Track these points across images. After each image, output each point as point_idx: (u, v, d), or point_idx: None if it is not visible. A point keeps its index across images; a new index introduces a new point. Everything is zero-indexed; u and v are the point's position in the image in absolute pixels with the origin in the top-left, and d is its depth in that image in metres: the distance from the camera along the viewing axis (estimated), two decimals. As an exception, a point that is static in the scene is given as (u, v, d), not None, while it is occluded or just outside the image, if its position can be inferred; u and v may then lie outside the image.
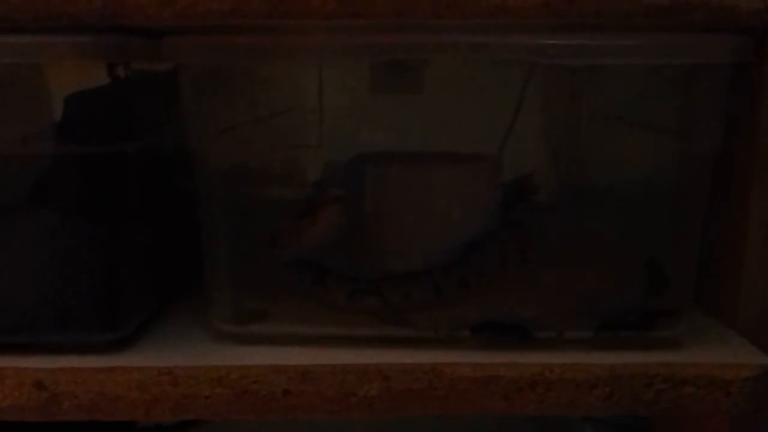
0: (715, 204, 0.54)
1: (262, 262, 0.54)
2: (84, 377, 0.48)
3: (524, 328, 0.50)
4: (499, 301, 0.54)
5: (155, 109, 0.54)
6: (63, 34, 0.44)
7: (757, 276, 0.52)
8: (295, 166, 0.73)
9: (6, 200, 0.49)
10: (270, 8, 0.42)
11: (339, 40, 0.46)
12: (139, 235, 0.52)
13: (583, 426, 0.72)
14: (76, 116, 0.49)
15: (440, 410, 0.48)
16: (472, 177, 0.60)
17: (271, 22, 0.43)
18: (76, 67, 0.48)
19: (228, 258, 0.53)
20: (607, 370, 0.48)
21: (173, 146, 0.53)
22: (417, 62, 0.69)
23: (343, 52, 0.46)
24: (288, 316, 0.53)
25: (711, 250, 0.56)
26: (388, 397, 0.48)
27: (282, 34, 0.46)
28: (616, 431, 0.73)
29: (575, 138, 0.75)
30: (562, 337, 0.50)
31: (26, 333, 0.49)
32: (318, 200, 0.55)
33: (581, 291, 0.55)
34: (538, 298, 0.54)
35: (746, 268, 0.52)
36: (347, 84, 0.71)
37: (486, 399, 0.48)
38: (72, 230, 0.48)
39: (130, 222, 0.51)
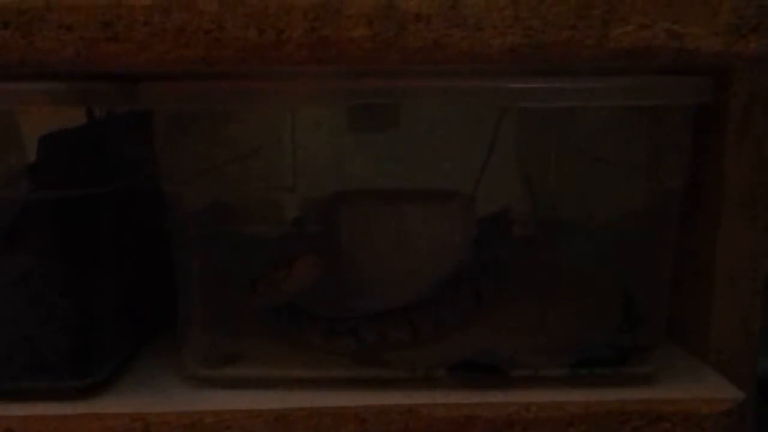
0: (684, 238, 0.55)
1: (235, 302, 0.54)
2: (56, 424, 0.47)
3: (500, 366, 0.50)
4: (476, 340, 0.54)
5: (130, 149, 0.54)
6: (36, 80, 0.44)
7: (727, 309, 0.53)
8: (273, 203, 0.74)
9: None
10: (243, 55, 0.42)
11: (312, 85, 0.46)
12: (113, 278, 0.51)
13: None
14: (50, 159, 0.49)
15: (417, 451, 0.48)
16: (445, 214, 0.61)
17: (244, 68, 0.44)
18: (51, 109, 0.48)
19: (201, 299, 0.53)
20: (583, 407, 0.48)
21: (146, 185, 0.53)
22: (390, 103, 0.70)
23: (316, 97, 0.47)
24: (262, 358, 0.53)
25: (681, 284, 0.56)
26: (364, 439, 0.48)
27: (255, 78, 0.47)
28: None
29: (547, 174, 0.77)
30: (538, 375, 0.50)
31: (-4, 379, 0.48)
32: (293, 249, 0.55)
33: (556, 327, 0.55)
34: (514, 336, 0.54)
35: (716, 301, 0.53)
36: (322, 123, 0.73)
37: (464, 439, 0.48)
38: (44, 274, 0.48)
39: (104, 265, 0.50)
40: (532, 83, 0.45)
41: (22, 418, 0.47)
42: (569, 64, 0.44)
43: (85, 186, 0.48)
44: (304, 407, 0.48)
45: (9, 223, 0.49)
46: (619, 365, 0.51)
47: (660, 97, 0.47)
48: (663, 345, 0.53)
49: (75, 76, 0.45)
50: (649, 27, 0.43)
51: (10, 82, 0.44)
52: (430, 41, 0.43)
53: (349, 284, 0.59)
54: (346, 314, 0.54)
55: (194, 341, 0.52)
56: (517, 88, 0.45)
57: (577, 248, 0.65)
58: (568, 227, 0.69)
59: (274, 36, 0.42)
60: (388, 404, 0.48)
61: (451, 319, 0.56)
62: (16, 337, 0.48)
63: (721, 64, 0.47)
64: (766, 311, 0.54)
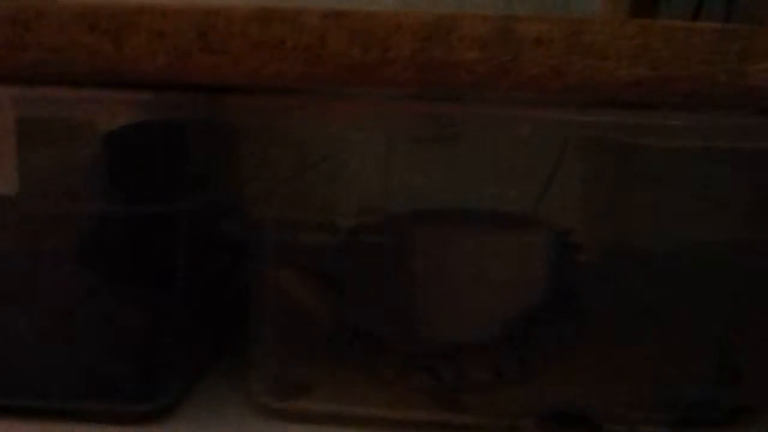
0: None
1: (307, 328, 0.51)
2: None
3: (594, 421, 0.46)
4: (563, 386, 0.50)
5: (206, 162, 0.51)
6: (122, 90, 0.42)
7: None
8: (331, 212, 0.71)
9: (46, 258, 0.46)
10: (344, 74, 0.39)
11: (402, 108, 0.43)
12: (182, 298, 0.49)
13: None
14: (121, 165, 0.47)
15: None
16: (530, 246, 0.57)
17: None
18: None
19: (274, 323, 0.50)
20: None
21: (219, 204, 0.50)
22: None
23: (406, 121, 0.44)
24: (335, 391, 0.50)
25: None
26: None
27: (342, 98, 0.44)
28: None
29: (628, 201, 0.73)
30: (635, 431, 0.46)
31: (59, 398, 0.46)
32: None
33: (649, 376, 0.51)
34: (603, 384, 0.50)
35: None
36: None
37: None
38: (112, 292, 0.45)
39: (174, 284, 0.48)
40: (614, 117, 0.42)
41: (83, 441, 0.44)
42: (698, 100, 0.40)
43: (162, 202, 0.45)
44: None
45: (79, 237, 0.46)
46: (727, 427, 0.46)
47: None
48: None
49: (160, 85, 0.43)
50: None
51: (93, 89, 0.42)
52: (547, 68, 0.39)
53: (425, 314, 0.56)
54: (424, 348, 0.51)
55: (264, 368, 0.50)
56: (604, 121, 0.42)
57: (664, 285, 0.61)
58: (647, 258, 0.65)
59: (380, 55, 0.39)
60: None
61: (535, 361, 0.52)
62: (80, 356, 0.46)
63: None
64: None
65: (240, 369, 0.52)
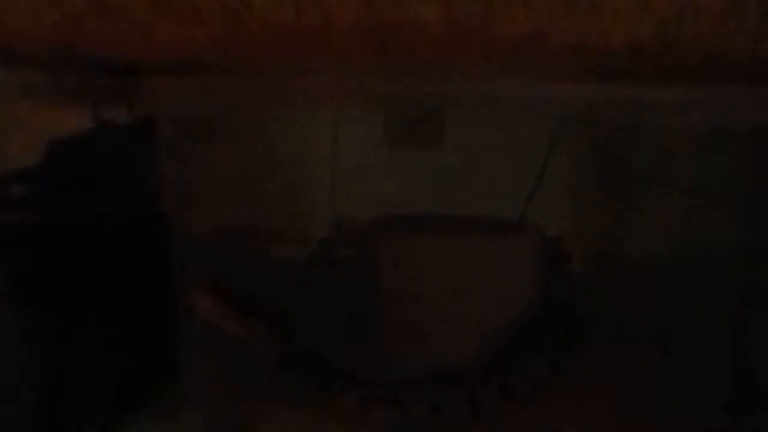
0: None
1: (245, 358, 0.43)
2: None
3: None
4: (559, 419, 0.42)
5: (113, 164, 0.43)
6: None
7: None
8: (299, 223, 0.64)
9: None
10: (275, 42, 0.31)
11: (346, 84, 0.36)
12: (91, 327, 0.40)
13: None
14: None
15: None
16: (514, 250, 0.49)
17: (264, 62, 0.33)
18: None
19: (204, 353, 0.42)
20: None
21: (136, 212, 0.42)
22: (435, 115, 0.61)
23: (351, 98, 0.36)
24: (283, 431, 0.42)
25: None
26: None
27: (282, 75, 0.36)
28: None
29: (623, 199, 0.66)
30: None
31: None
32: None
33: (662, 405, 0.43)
34: (601, 415, 0.43)
35: None
36: (361, 139, 0.63)
37: None
38: (8, 335, 0.37)
39: (80, 311, 0.39)
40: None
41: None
42: (706, 68, 0.33)
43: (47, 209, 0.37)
44: None
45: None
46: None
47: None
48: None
49: (63, 66, 0.35)
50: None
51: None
52: (527, 31, 0.31)
53: (392, 338, 0.48)
54: (389, 377, 0.43)
55: (196, 406, 0.41)
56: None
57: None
58: (649, 263, 0.58)
59: (318, 18, 0.31)
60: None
61: (520, 389, 0.44)
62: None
63: None
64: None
65: (170, 411, 0.43)
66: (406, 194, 0.60)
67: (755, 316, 0.48)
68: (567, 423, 0.42)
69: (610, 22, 0.32)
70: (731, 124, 0.47)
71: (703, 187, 0.56)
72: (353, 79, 0.42)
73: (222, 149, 0.47)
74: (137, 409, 0.45)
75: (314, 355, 0.44)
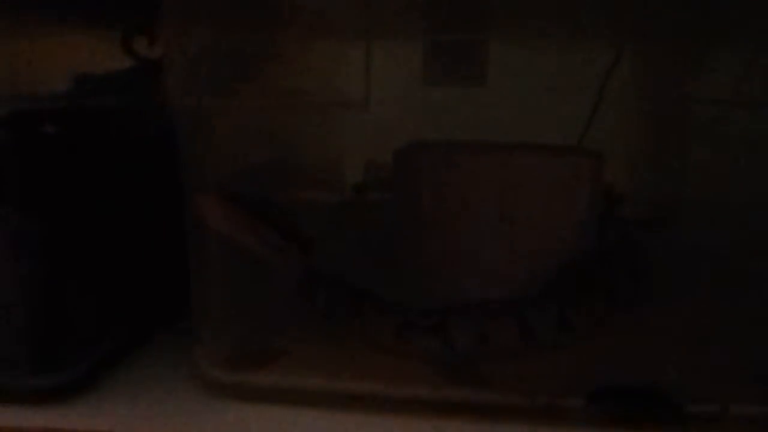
0: None
1: (271, 283, 0.38)
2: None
3: (670, 397, 0.33)
4: (621, 352, 0.37)
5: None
6: None
7: None
8: (333, 167, 0.60)
9: None
10: None
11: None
12: (92, 240, 0.36)
13: None
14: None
15: None
16: (570, 173, 0.43)
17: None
18: None
19: (225, 277, 0.37)
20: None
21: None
22: (477, 48, 0.55)
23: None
24: (308, 361, 0.37)
25: None
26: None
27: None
28: None
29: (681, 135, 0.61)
30: (726, 414, 0.33)
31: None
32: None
33: (744, 340, 0.37)
34: (675, 352, 0.37)
35: None
36: (396, 74, 0.58)
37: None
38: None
39: (78, 220, 0.35)
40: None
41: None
42: None
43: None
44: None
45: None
46: None
47: None
48: None
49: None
50: None
51: None
52: None
53: (433, 263, 0.43)
54: (431, 305, 0.38)
55: (210, 333, 0.37)
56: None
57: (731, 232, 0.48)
58: (719, 205, 0.52)
59: None
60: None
61: (578, 321, 0.38)
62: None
63: None
64: None
65: (183, 344, 0.38)
66: (446, 137, 0.54)
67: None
68: (626, 360, 0.36)
69: None
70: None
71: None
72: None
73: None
74: (150, 335, 0.41)
75: (342, 278, 0.39)
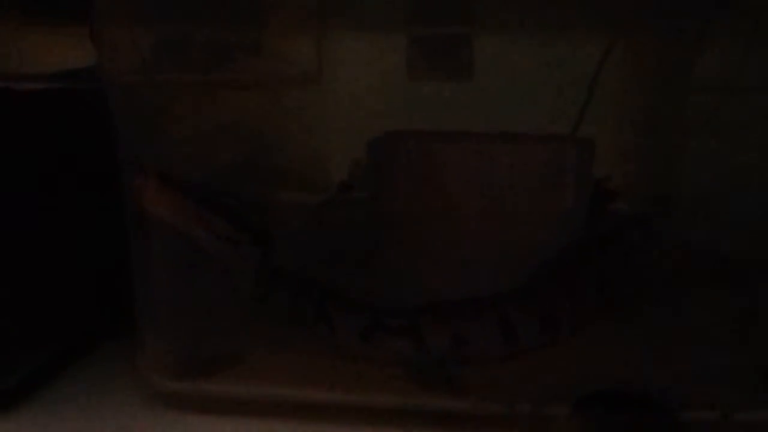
0: None
1: (222, 283, 0.35)
2: None
3: (664, 404, 0.29)
4: (608, 354, 0.33)
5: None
6: None
7: None
8: (317, 167, 0.57)
9: None
10: None
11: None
12: (23, 243, 0.32)
13: None
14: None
15: None
16: (554, 160, 0.40)
17: None
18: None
19: (170, 277, 0.33)
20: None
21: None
22: (461, 42, 0.52)
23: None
24: (264, 367, 0.33)
25: None
26: None
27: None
28: None
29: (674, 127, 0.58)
30: (728, 421, 0.29)
31: None
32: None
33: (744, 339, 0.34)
34: (669, 354, 0.34)
35: None
36: (379, 68, 0.55)
37: None
38: None
39: (6, 220, 0.31)
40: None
41: None
42: None
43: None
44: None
45: None
46: None
47: None
48: None
49: None
50: None
51: None
52: None
53: (408, 258, 0.39)
54: (410, 302, 0.34)
55: (157, 340, 0.33)
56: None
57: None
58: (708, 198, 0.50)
59: None
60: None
61: (565, 320, 0.35)
62: None
63: None
64: None
65: (127, 352, 0.35)
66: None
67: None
68: (616, 359, 0.33)
69: None
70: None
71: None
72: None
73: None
74: (92, 344, 0.37)
75: (306, 276, 0.35)
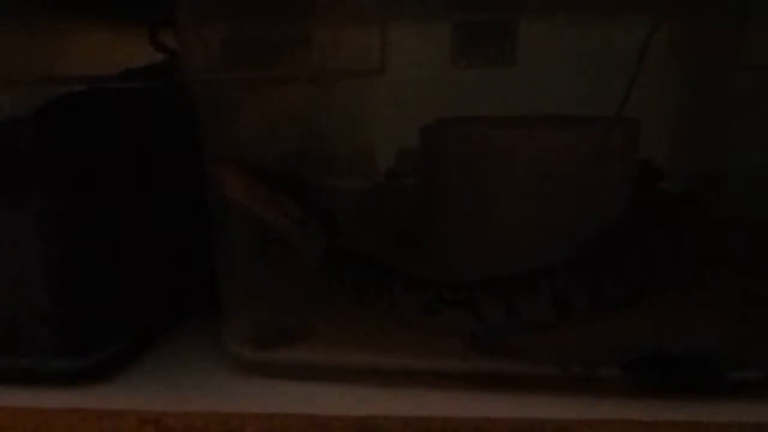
0: None
1: (293, 261, 0.38)
2: (34, 421, 0.32)
3: (711, 365, 0.31)
4: (657, 321, 0.35)
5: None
6: None
7: None
8: (365, 154, 0.60)
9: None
10: None
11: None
12: (117, 222, 0.36)
13: None
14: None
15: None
16: (604, 142, 0.42)
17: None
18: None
19: (249, 256, 0.37)
20: None
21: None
22: (505, 27, 0.54)
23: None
24: (337, 337, 0.36)
25: None
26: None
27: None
28: None
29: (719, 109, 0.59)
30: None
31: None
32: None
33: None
34: (718, 320, 0.35)
35: None
36: (425, 56, 0.57)
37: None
38: (15, 219, 0.33)
39: (102, 201, 0.35)
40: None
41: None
42: None
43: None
44: (397, 416, 0.31)
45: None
46: None
47: None
48: None
49: None
50: None
51: None
52: None
53: (463, 240, 0.42)
54: (458, 278, 0.37)
55: (237, 311, 0.36)
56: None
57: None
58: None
59: None
60: (525, 417, 0.30)
61: (615, 290, 0.37)
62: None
63: None
64: None
65: (211, 326, 0.38)
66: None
67: None
68: (664, 331, 0.34)
69: None
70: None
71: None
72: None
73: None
74: (179, 317, 0.41)
75: (368, 255, 0.38)
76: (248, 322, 0.37)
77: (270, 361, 0.35)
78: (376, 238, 0.43)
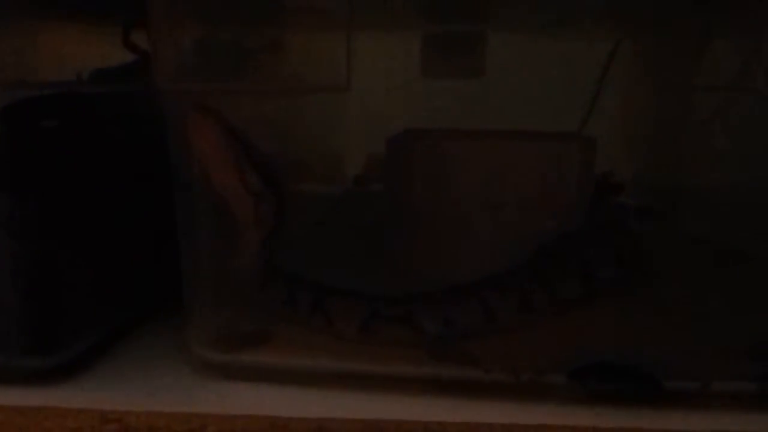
0: None
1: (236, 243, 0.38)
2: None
3: (649, 374, 0.33)
4: (604, 333, 0.37)
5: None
6: None
7: None
8: (332, 160, 0.60)
9: None
10: None
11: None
12: (86, 224, 0.36)
13: None
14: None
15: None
16: (560, 157, 0.44)
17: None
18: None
19: (213, 260, 0.37)
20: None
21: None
22: (475, 39, 0.55)
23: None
24: (295, 341, 0.37)
25: None
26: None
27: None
28: None
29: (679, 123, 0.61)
30: (707, 391, 0.33)
31: None
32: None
33: (726, 318, 0.38)
34: (661, 332, 0.37)
35: None
36: (393, 66, 0.58)
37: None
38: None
39: (72, 203, 0.35)
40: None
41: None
42: None
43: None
44: (353, 419, 0.32)
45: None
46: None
47: None
48: None
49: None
50: None
51: None
52: None
53: (424, 250, 0.43)
54: (394, 293, 0.37)
55: (203, 315, 0.37)
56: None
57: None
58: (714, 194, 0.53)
59: None
60: (475, 421, 0.32)
61: (542, 303, 0.39)
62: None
63: None
64: None
65: (176, 325, 0.39)
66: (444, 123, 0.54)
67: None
68: (611, 341, 0.36)
69: None
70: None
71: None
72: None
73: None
74: (143, 319, 0.41)
75: (301, 275, 0.38)
76: (212, 324, 0.37)
77: (232, 363, 0.36)
78: (342, 244, 0.44)
